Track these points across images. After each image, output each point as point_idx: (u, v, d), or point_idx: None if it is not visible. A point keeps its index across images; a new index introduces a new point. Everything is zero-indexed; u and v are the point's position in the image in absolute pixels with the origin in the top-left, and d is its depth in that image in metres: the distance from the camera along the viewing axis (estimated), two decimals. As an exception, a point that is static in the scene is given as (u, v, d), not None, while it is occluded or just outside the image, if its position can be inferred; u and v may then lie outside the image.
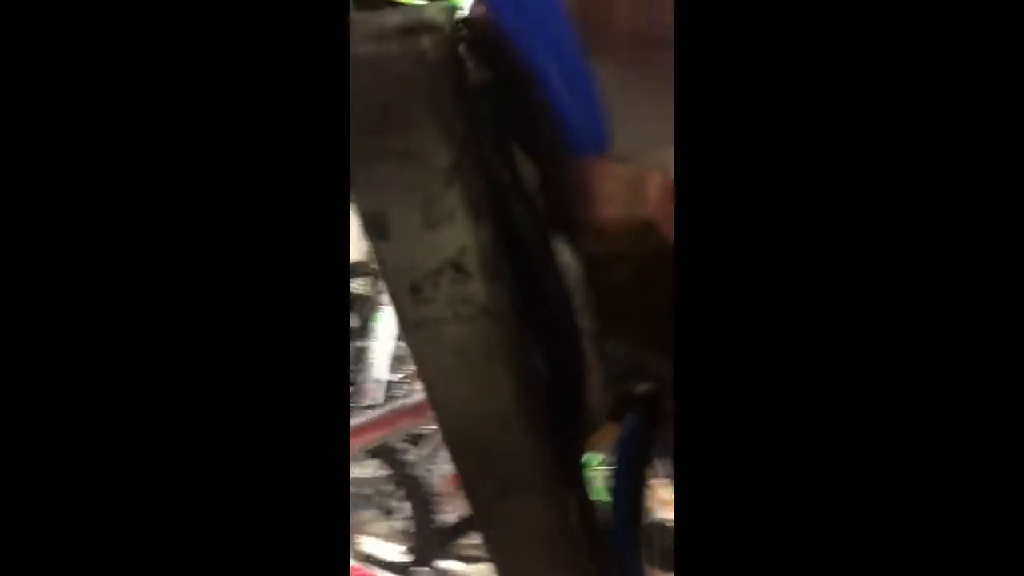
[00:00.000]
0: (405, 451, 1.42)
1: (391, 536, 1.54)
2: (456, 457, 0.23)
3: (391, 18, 0.18)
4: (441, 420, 0.22)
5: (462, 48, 0.22)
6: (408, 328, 0.21)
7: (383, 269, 0.20)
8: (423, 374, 0.21)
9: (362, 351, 1.47)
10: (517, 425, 0.22)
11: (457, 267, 0.20)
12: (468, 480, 0.23)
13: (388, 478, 1.50)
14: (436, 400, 0.22)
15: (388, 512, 1.57)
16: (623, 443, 0.33)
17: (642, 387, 0.33)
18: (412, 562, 1.40)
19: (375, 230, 0.19)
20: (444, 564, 1.40)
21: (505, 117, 0.21)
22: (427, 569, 1.36)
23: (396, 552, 1.48)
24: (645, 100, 0.17)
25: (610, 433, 0.35)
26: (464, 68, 0.20)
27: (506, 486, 0.23)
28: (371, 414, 0.66)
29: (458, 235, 0.20)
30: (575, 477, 0.25)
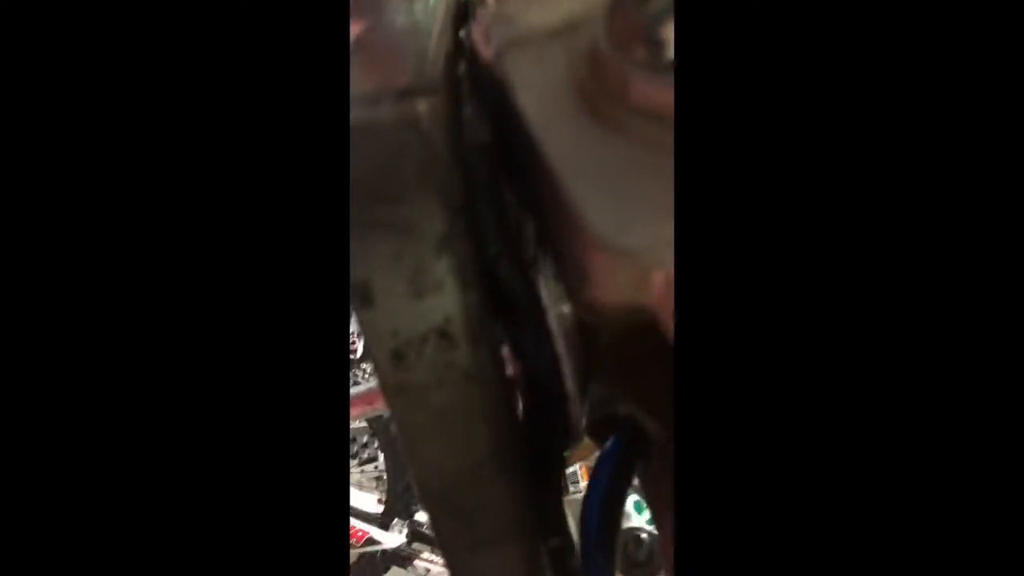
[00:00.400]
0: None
1: (365, 485, 1.58)
2: (431, 512, 0.22)
3: (385, 76, 0.17)
4: (416, 476, 0.22)
5: (464, 83, 0.20)
6: (389, 392, 0.20)
7: (366, 334, 0.19)
8: (403, 435, 0.21)
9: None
10: (492, 482, 0.22)
11: (443, 334, 0.19)
12: (441, 533, 0.23)
13: (364, 429, 1.52)
14: (414, 459, 0.21)
15: (363, 461, 1.60)
16: (602, 461, 0.33)
17: (623, 408, 0.33)
18: (384, 511, 1.44)
19: (360, 298, 0.18)
20: (417, 515, 1.45)
21: (503, 180, 0.20)
22: (399, 520, 1.40)
23: (369, 501, 1.52)
24: (655, 190, 0.16)
25: (590, 449, 0.35)
26: (462, 128, 0.19)
27: (478, 540, 0.23)
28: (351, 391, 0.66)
29: (446, 304, 0.19)
30: (552, 524, 0.26)
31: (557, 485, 0.26)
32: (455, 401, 0.20)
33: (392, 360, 0.19)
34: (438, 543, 0.23)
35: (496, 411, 0.21)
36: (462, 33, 0.22)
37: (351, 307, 0.19)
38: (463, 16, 0.23)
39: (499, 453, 0.22)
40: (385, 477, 1.49)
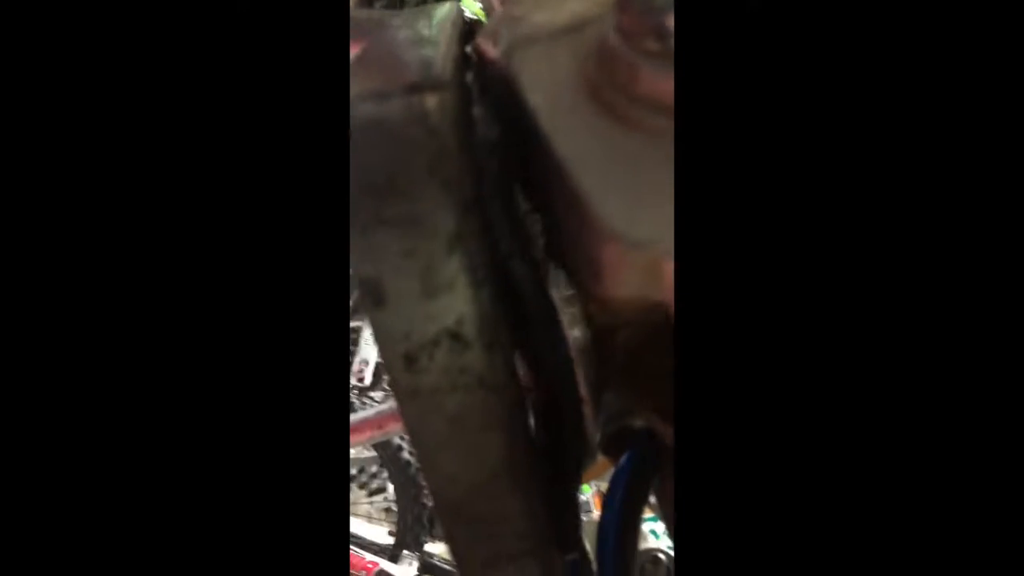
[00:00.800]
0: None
1: (375, 517, 1.56)
2: (447, 526, 0.22)
3: (392, 75, 0.17)
4: (431, 487, 0.21)
5: (472, 86, 0.20)
6: (402, 397, 0.19)
7: (377, 337, 0.19)
8: (416, 443, 0.20)
9: (354, 330, 1.46)
10: (508, 493, 0.21)
11: (455, 336, 0.19)
12: (457, 548, 0.22)
13: (373, 459, 1.51)
14: (427, 467, 0.21)
15: (372, 492, 1.58)
16: (617, 477, 0.32)
17: (638, 422, 0.32)
18: (395, 543, 1.42)
19: (371, 297, 0.18)
20: (428, 546, 1.42)
21: (514, 178, 0.20)
22: (409, 552, 1.37)
23: (380, 533, 1.49)
24: (665, 181, 0.16)
25: (605, 467, 0.34)
26: (472, 125, 0.18)
27: (495, 554, 0.22)
28: (357, 416, 0.66)
29: (457, 304, 0.18)
30: (568, 537, 0.25)
31: (574, 497, 0.25)
32: (469, 407, 0.20)
33: (404, 364, 0.19)
34: (454, 559, 0.22)
35: (512, 419, 0.21)
36: (468, 48, 0.23)
37: (364, 309, 0.18)
38: (470, 33, 0.24)
39: (515, 463, 0.21)
40: (395, 508, 1.46)
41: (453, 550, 0.22)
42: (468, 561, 0.22)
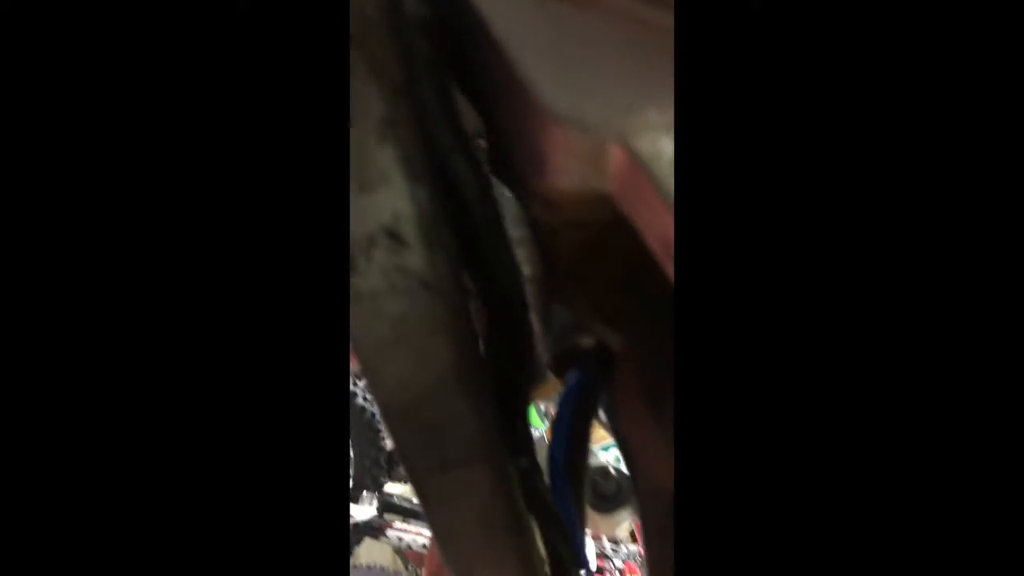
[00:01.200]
0: (344, 380, 1.40)
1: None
2: (395, 433, 0.21)
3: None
4: (379, 395, 0.21)
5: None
6: (341, 302, 0.19)
7: (309, 237, 0.18)
8: (359, 349, 0.20)
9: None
10: (457, 397, 0.21)
11: (392, 235, 0.18)
12: (408, 455, 0.22)
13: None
14: (373, 375, 0.20)
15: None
16: (566, 396, 0.33)
17: (586, 340, 0.32)
18: (353, 484, 1.43)
19: (298, 194, 0.17)
20: (387, 487, 1.44)
21: (447, 62, 0.18)
22: (367, 492, 1.39)
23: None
24: (611, 60, 0.15)
25: (554, 386, 0.35)
26: (398, 1, 0.17)
27: (447, 459, 0.22)
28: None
29: (393, 199, 0.18)
30: (519, 444, 0.25)
31: (523, 403, 0.25)
32: (412, 310, 0.19)
33: (340, 266, 0.18)
34: (405, 468, 0.22)
35: (456, 322, 0.20)
36: None
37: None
38: None
39: (462, 366, 0.21)
40: (351, 453, 1.47)
41: (405, 459, 0.22)
42: (421, 468, 0.22)
